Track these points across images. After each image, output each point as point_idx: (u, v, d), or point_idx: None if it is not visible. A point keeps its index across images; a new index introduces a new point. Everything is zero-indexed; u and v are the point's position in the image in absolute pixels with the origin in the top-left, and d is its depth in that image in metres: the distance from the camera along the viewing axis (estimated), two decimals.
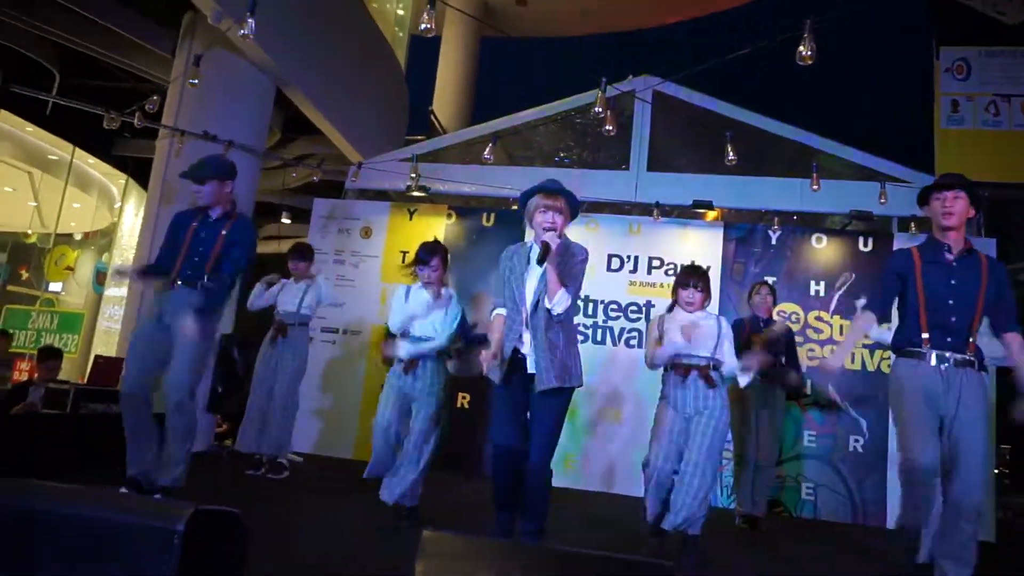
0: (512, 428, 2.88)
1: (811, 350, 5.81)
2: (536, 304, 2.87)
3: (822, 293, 5.89)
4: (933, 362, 2.69)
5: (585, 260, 2.96)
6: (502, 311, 2.99)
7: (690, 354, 3.43)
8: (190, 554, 1.46)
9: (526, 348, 2.88)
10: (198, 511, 1.47)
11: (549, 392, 2.79)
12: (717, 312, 5.94)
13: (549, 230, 2.90)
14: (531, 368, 2.86)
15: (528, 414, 2.91)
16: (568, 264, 2.90)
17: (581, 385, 2.91)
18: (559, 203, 2.96)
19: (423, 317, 3.73)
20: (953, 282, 2.75)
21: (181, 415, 3.40)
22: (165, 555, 1.45)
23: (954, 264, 2.78)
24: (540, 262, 2.86)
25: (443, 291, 3.82)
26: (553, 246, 2.83)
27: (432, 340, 3.71)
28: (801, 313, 5.85)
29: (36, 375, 5.60)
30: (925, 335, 2.72)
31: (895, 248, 5.84)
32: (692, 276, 3.55)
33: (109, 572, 1.51)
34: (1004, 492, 5.63)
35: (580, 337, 6.08)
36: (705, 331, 3.43)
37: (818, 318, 5.86)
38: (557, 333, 2.85)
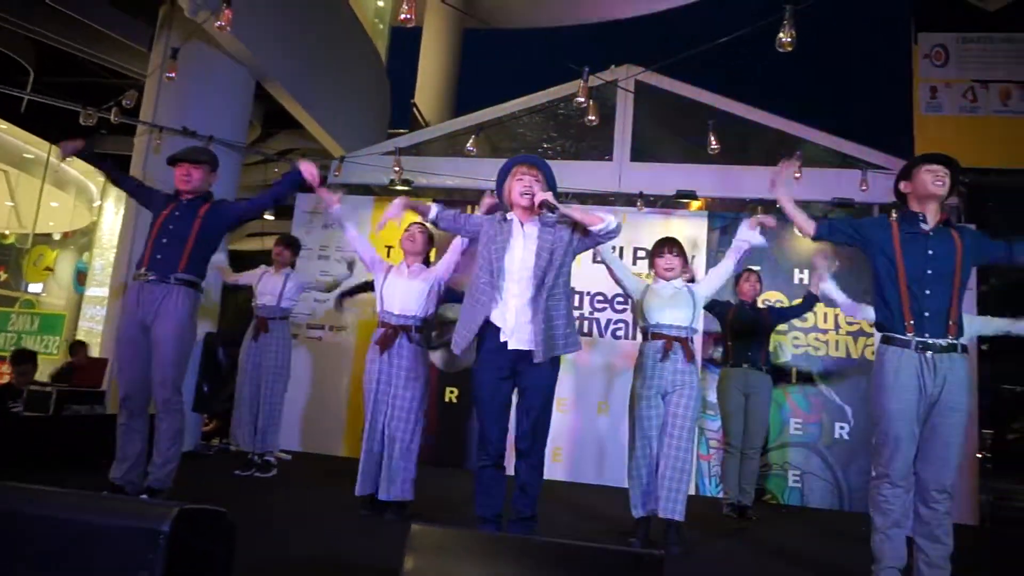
0: (499, 428, 2.84)
1: (796, 338, 5.86)
2: (536, 277, 2.81)
3: (806, 281, 5.93)
4: (916, 351, 2.67)
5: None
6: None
7: (670, 325, 3.46)
8: (176, 554, 1.45)
9: (509, 324, 2.79)
10: (183, 511, 1.46)
11: (543, 365, 2.76)
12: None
13: (525, 194, 2.87)
14: (514, 344, 2.79)
15: (514, 393, 2.88)
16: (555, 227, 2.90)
17: (579, 348, 2.92)
18: (535, 172, 2.94)
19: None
20: (930, 252, 2.71)
21: (169, 413, 3.36)
22: (150, 556, 1.44)
23: (930, 234, 2.75)
24: (551, 209, 2.85)
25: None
26: (549, 197, 2.82)
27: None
28: (786, 301, 5.89)
29: (14, 380, 5.50)
30: (910, 321, 2.69)
31: None
32: (665, 244, 3.66)
33: (95, 574, 1.49)
34: (987, 476, 5.70)
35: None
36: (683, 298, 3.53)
37: None
38: (557, 302, 2.82)
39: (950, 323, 2.66)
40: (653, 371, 3.45)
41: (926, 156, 2.86)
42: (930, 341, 2.65)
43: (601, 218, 2.83)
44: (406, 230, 3.88)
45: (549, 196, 2.82)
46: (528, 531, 2.81)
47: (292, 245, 5.15)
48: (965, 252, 2.70)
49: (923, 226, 2.78)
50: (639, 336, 3.79)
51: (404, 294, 3.69)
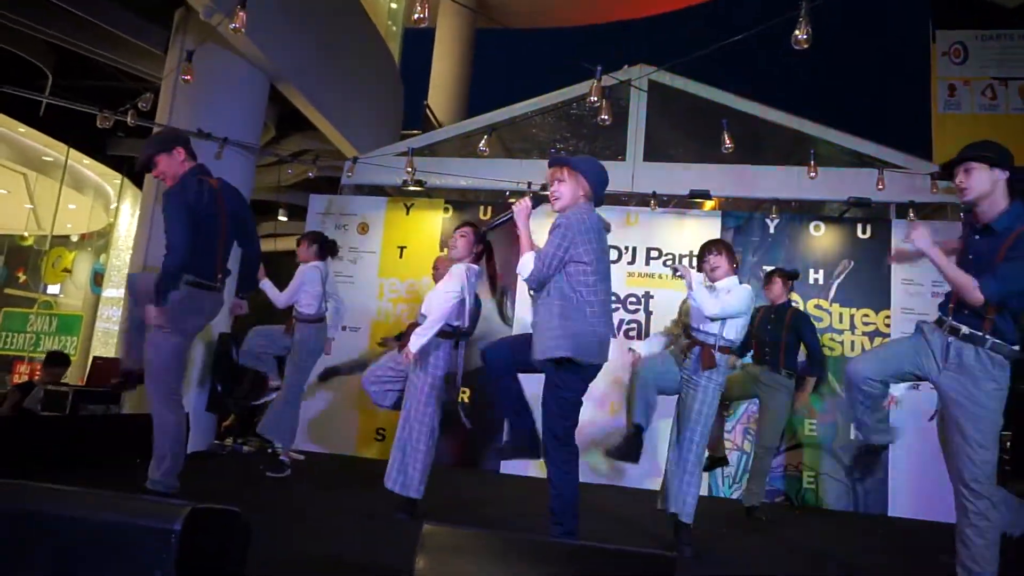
0: (506, 342, 3.09)
1: None
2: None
3: (821, 281, 5.88)
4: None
5: (559, 227, 2.81)
6: None
7: (697, 329, 3.46)
8: (188, 553, 1.45)
9: None
10: (195, 510, 1.46)
11: (545, 367, 2.86)
12: None
13: (555, 199, 2.93)
14: None
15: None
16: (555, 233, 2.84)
17: (566, 353, 2.76)
18: (557, 173, 2.93)
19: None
20: (970, 257, 2.63)
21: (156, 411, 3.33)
22: (163, 555, 1.45)
23: (976, 238, 2.64)
24: (485, 229, 3.07)
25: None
26: (515, 212, 2.93)
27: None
28: (800, 301, 5.84)
29: (39, 377, 5.59)
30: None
31: (893, 235, 5.85)
32: (711, 245, 3.67)
33: (107, 573, 1.50)
34: (1005, 478, 5.62)
35: None
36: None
37: (817, 306, 5.85)
38: (538, 310, 2.90)
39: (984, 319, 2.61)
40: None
41: (952, 159, 2.74)
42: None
43: (523, 258, 2.88)
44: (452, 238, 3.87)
45: (516, 211, 2.94)
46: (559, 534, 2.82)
47: (313, 241, 5.10)
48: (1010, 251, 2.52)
49: (974, 236, 2.70)
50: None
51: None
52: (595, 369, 2.87)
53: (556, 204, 2.91)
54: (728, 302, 3.39)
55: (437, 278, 5.01)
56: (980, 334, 2.55)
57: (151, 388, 3.29)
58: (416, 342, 3.51)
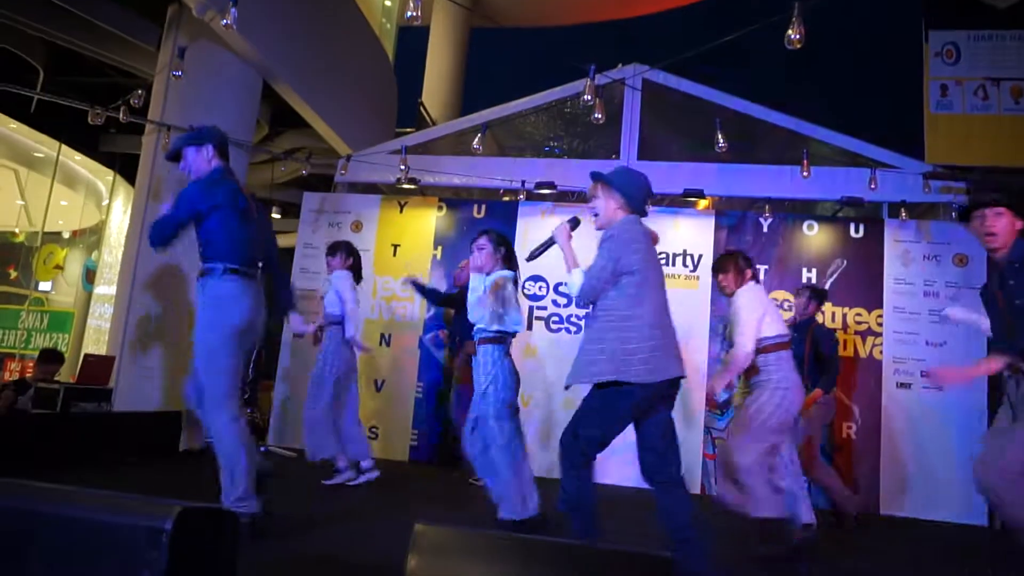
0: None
1: None
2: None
3: (814, 280, 5.89)
4: None
5: (608, 240, 2.67)
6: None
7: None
8: (179, 552, 1.45)
9: None
10: (186, 509, 1.46)
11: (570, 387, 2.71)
12: (708, 303, 5.96)
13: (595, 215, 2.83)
14: None
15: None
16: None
17: (607, 377, 2.55)
18: (593, 189, 2.83)
19: None
20: (1017, 302, 2.60)
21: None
22: (153, 554, 1.44)
23: (1011, 283, 2.62)
24: (529, 256, 2.91)
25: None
26: (555, 235, 2.81)
27: None
28: (793, 300, 5.85)
29: (32, 374, 5.57)
30: None
31: (886, 234, 5.87)
32: (715, 266, 3.79)
33: (97, 572, 1.49)
34: None
35: (573, 328, 6.08)
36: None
37: None
38: (589, 325, 2.72)
39: None
40: None
41: (975, 202, 2.75)
42: None
43: (570, 276, 2.74)
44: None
45: (560, 228, 2.82)
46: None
47: (334, 251, 4.93)
48: None
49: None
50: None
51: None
52: (648, 390, 2.54)
53: (596, 222, 2.81)
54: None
55: (461, 281, 4.98)
56: None
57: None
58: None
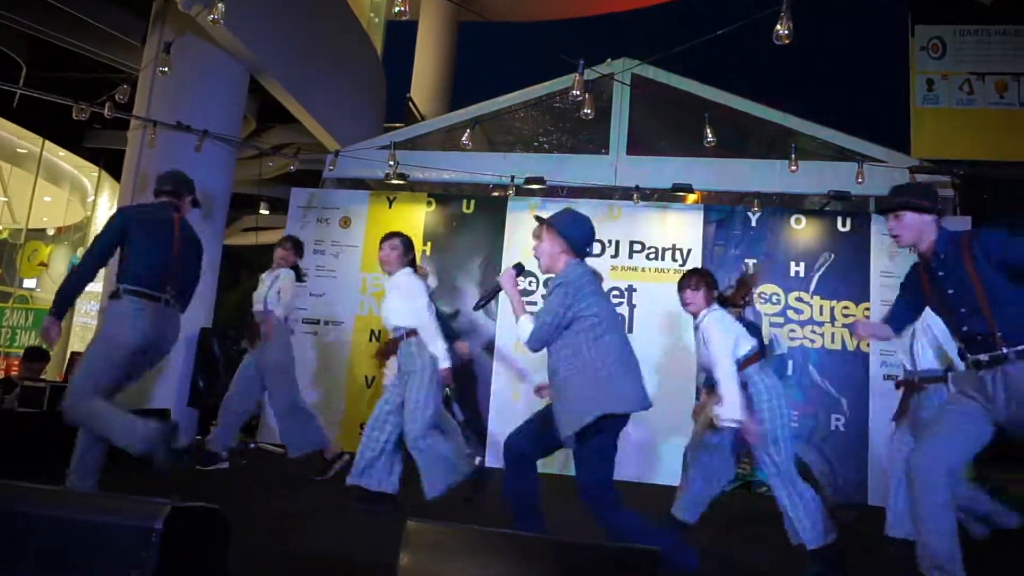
0: (527, 428, 2.91)
1: (792, 331, 5.86)
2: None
3: (802, 274, 5.93)
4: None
5: (560, 286, 2.72)
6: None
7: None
8: (169, 551, 1.44)
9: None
10: (176, 508, 1.45)
11: (569, 439, 2.69)
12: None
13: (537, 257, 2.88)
14: None
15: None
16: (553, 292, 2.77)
17: (603, 411, 2.63)
18: (537, 231, 2.88)
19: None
20: (950, 292, 2.66)
21: None
22: (143, 553, 1.44)
23: (941, 275, 2.68)
24: (476, 306, 3.12)
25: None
26: (501, 282, 2.87)
27: None
28: (782, 294, 5.89)
29: (16, 372, 5.55)
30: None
31: (872, 228, 5.91)
32: (685, 281, 3.42)
33: (88, 572, 1.48)
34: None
35: None
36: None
37: (798, 299, 5.90)
38: (563, 377, 2.72)
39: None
40: None
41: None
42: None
43: (518, 323, 2.78)
44: (380, 249, 3.95)
45: (506, 275, 2.88)
46: None
47: (283, 245, 5.00)
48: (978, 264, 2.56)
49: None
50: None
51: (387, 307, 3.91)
52: (626, 419, 2.72)
53: (540, 264, 2.86)
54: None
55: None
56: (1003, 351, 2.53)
57: None
58: None
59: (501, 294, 3.01)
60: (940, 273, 2.67)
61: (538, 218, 2.88)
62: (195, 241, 3.66)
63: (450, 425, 4.62)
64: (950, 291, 2.63)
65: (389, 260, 3.87)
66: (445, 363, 3.77)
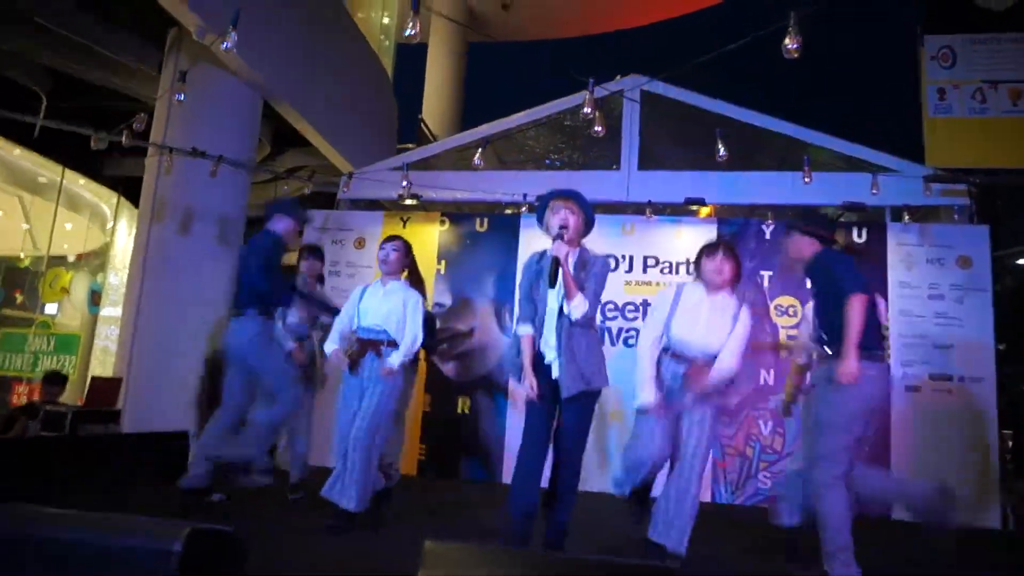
0: (536, 448, 3.01)
1: (790, 331, 5.80)
2: (560, 311, 2.97)
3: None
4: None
5: (604, 267, 3.05)
6: (528, 328, 3.05)
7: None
8: (188, 574, 1.45)
9: (550, 356, 2.99)
10: (195, 531, 1.46)
11: (573, 397, 2.93)
12: None
13: (563, 227, 2.99)
14: (555, 374, 2.99)
15: (556, 419, 3.06)
16: (586, 273, 3.01)
17: (606, 385, 3.04)
18: (570, 204, 3.06)
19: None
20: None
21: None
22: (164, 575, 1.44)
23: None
24: (551, 282, 2.91)
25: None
26: (561, 256, 2.93)
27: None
28: (798, 306, 5.84)
29: (39, 397, 5.65)
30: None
31: (889, 238, 5.87)
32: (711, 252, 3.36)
33: None
34: (1007, 478, 5.60)
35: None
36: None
37: None
38: (579, 340, 2.96)
39: None
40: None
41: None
42: None
43: (572, 299, 2.94)
44: (380, 249, 4.01)
45: (560, 252, 2.95)
46: (561, 538, 3.01)
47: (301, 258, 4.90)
48: None
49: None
50: None
51: (376, 310, 3.80)
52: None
53: (566, 234, 3.00)
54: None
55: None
56: None
57: None
58: None
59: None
60: (814, 289, 3.46)
61: (572, 192, 3.14)
62: None
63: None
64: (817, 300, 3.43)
65: (389, 261, 3.91)
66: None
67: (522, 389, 3.03)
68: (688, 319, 3.22)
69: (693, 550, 3.24)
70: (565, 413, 2.99)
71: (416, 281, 4.01)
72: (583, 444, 3.05)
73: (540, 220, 3.15)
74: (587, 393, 2.96)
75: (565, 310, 2.93)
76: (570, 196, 3.09)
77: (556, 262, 2.88)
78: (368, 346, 3.74)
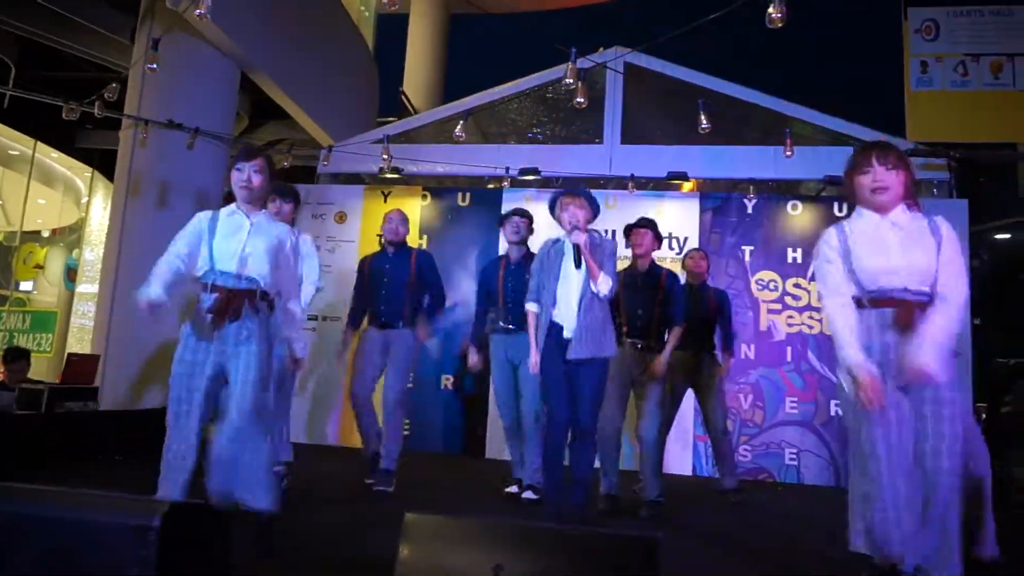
0: (565, 401, 3.31)
1: (790, 317, 5.87)
2: (584, 290, 3.31)
3: (799, 260, 5.93)
4: None
5: (614, 247, 3.44)
6: (534, 306, 3.45)
7: None
8: (169, 550, 1.44)
9: (568, 331, 3.31)
10: (174, 506, 1.45)
11: (586, 362, 3.25)
12: None
13: (574, 225, 3.35)
14: (571, 343, 3.30)
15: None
16: (599, 253, 3.35)
17: (613, 353, 3.38)
18: (578, 200, 3.42)
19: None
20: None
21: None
22: (142, 552, 1.43)
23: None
24: (576, 264, 3.33)
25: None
26: (580, 243, 3.29)
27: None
28: (779, 280, 5.89)
29: (5, 378, 5.44)
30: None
31: None
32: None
33: (88, 570, 1.48)
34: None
35: None
36: None
37: (796, 285, 5.90)
38: (595, 315, 3.31)
39: None
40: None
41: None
42: None
43: (597, 278, 3.29)
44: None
45: (580, 240, 3.29)
46: (582, 494, 3.31)
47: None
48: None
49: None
50: None
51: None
52: None
53: (580, 232, 3.33)
54: None
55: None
56: None
57: None
58: None
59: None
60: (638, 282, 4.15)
61: (584, 191, 3.55)
62: None
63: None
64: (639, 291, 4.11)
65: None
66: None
67: (535, 356, 3.36)
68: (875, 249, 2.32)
69: (672, 523, 3.28)
70: (580, 378, 3.28)
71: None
72: (598, 407, 3.33)
73: (552, 213, 3.51)
74: (598, 359, 3.28)
75: (593, 288, 3.29)
76: (577, 194, 3.47)
77: (578, 249, 3.29)
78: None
